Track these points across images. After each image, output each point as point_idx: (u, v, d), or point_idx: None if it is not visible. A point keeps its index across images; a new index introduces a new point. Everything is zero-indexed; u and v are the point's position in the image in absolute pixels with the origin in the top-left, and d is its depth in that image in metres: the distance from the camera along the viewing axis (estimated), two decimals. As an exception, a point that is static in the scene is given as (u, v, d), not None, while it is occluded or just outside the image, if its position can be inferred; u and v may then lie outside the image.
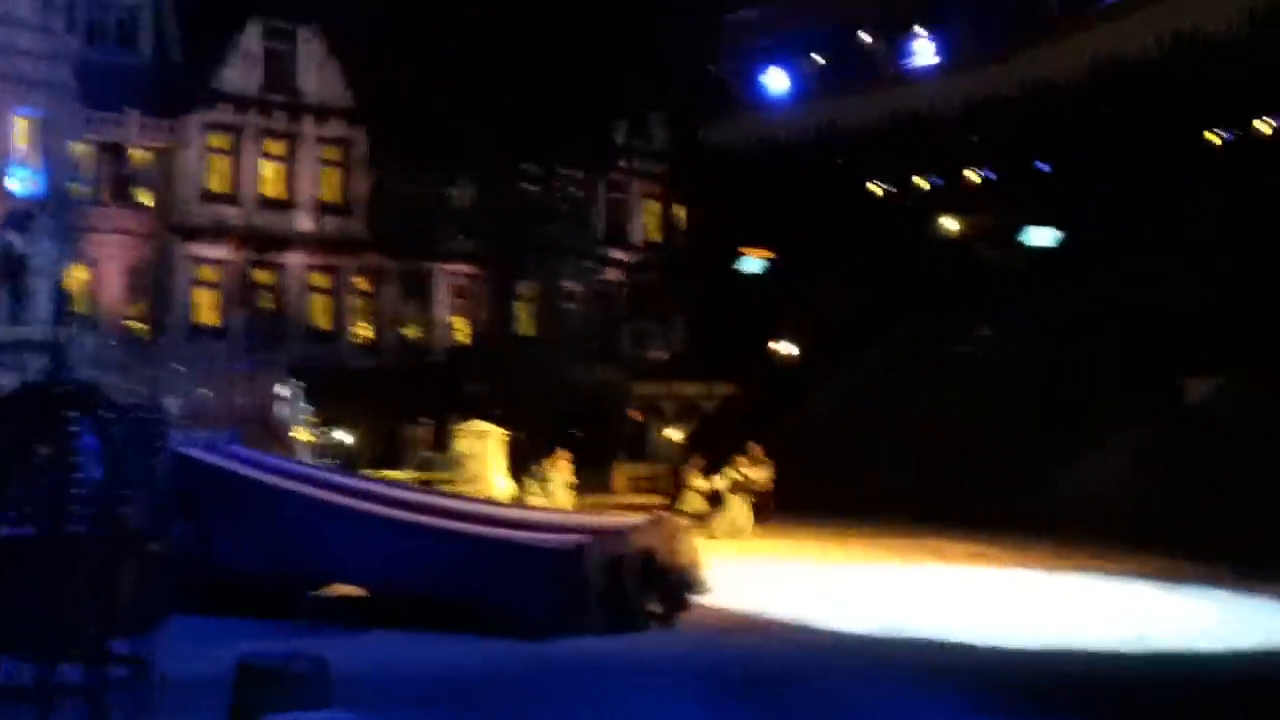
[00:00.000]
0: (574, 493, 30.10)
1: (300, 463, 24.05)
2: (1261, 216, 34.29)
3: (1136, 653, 16.75)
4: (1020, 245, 39.33)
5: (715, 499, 29.52)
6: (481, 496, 27.47)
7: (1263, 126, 36.86)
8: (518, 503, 26.81)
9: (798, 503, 29.43)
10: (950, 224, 43.73)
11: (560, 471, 30.21)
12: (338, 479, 22.39)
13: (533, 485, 27.54)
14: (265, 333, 40.00)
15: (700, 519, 28.10)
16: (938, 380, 37.14)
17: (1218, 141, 37.84)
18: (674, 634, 17.86)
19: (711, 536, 26.85)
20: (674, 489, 31.63)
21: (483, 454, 30.27)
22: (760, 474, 29.43)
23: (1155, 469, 29.08)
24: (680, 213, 50.75)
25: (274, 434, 24.38)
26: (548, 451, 31.00)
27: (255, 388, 26.26)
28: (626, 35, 46.38)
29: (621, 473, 38.48)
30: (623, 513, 25.87)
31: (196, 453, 20.71)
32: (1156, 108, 35.76)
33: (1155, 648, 17.03)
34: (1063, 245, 38.32)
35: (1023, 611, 19.60)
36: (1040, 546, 24.41)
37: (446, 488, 28.20)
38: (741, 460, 29.63)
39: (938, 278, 42.49)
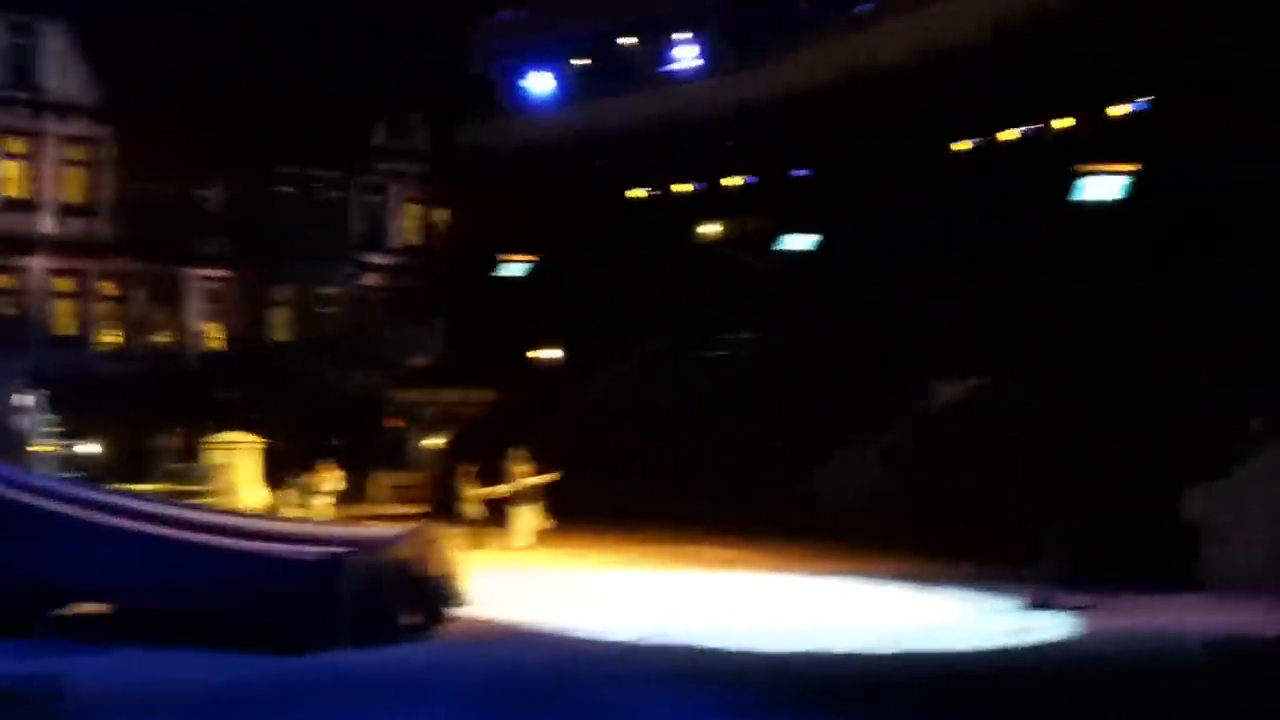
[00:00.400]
0: (334, 502, 29.51)
1: (39, 475, 23.08)
2: (1009, 223, 35.42)
3: (888, 653, 17.09)
4: (779, 250, 39.95)
5: (493, 507, 28.98)
6: (234, 508, 26.86)
7: (1009, 135, 38.09)
8: (272, 514, 26.21)
9: (557, 508, 29.36)
10: (711, 228, 44.19)
11: (327, 482, 29.61)
12: (79, 492, 21.59)
13: (290, 495, 26.97)
14: (4, 339, 38.54)
15: (478, 527, 27.71)
16: (696, 383, 37.55)
17: (967, 148, 38.98)
18: (431, 646, 17.67)
19: (504, 548, 26.77)
20: (436, 497, 31.13)
21: (235, 465, 29.63)
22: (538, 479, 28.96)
23: (902, 470, 29.80)
24: (441, 216, 50.30)
25: (11, 445, 23.37)
26: (305, 461, 30.39)
27: (-9, 397, 25.20)
28: (384, 35, 45.83)
29: (380, 481, 38.00)
30: (381, 522, 25.52)
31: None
32: (908, 116, 36.60)
33: (906, 647, 17.40)
34: (820, 250, 39.03)
35: (778, 614, 19.88)
36: (796, 549, 24.79)
37: (198, 500, 27.48)
38: (519, 467, 29.07)
39: (698, 281, 42.95)
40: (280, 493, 28.27)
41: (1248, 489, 22.98)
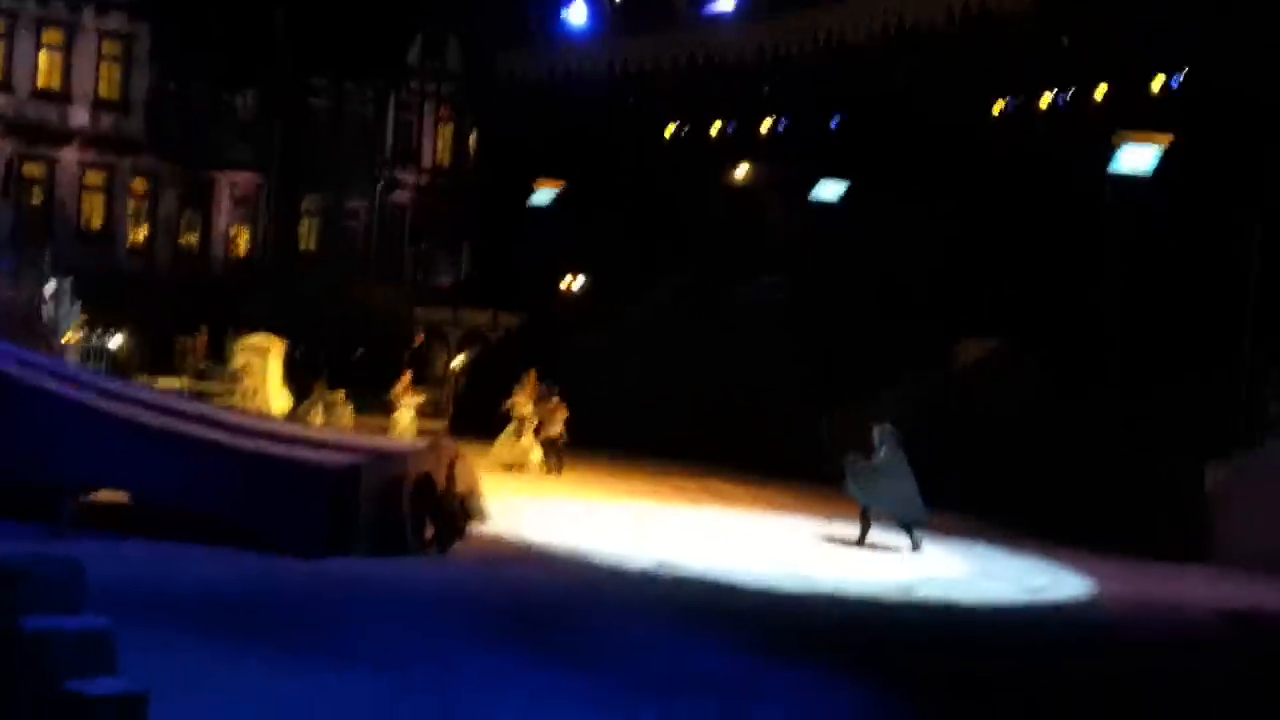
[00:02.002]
0: (416, 418, 29.20)
1: (65, 363, 23.15)
2: (1042, 187, 35.29)
3: (900, 602, 17.16)
4: (807, 197, 39.82)
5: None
6: (256, 411, 26.84)
7: (1043, 102, 37.90)
8: (295, 420, 26.21)
9: (579, 438, 29.45)
10: (742, 171, 44.06)
11: (409, 395, 29.27)
12: (104, 383, 21.67)
13: (316, 403, 26.88)
14: (33, 228, 38.47)
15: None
16: (719, 322, 37.50)
17: (1001, 110, 38.81)
18: (446, 561, 17.75)
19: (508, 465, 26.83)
20: (458, 414, 30.98)
21: (261, 368, 29.47)
22: (551, 412, 28.79)
23: (922, 425, 29.78)
24: (473, 138, 50.17)
25: (39, 333, 23.40)
26: (326, 368, 30.31)
27: (19, 284, 25.14)
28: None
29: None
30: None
31: (-48, 347, 19.86)
32: (948, 76, 36.45)
33: (918, 598, 17.46)
34: (849, 201, 38.89)
35: (794, 556, 19.91)
36: (816, 494, 24.79)
37: (223, 401, 27.50)
38: (521, 393, 29.03)
39: (726, 222, 42.85)
40: (305, 399, 28.15)
41: (1263, 468, 22.98)
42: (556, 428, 28.33)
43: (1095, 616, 17.29)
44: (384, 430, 28.23)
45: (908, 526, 21.08)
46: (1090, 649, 15.49)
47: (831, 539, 21.79)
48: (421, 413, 30.23)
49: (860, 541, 21.08)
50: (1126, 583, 19.51)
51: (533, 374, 28.94)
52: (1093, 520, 23.28)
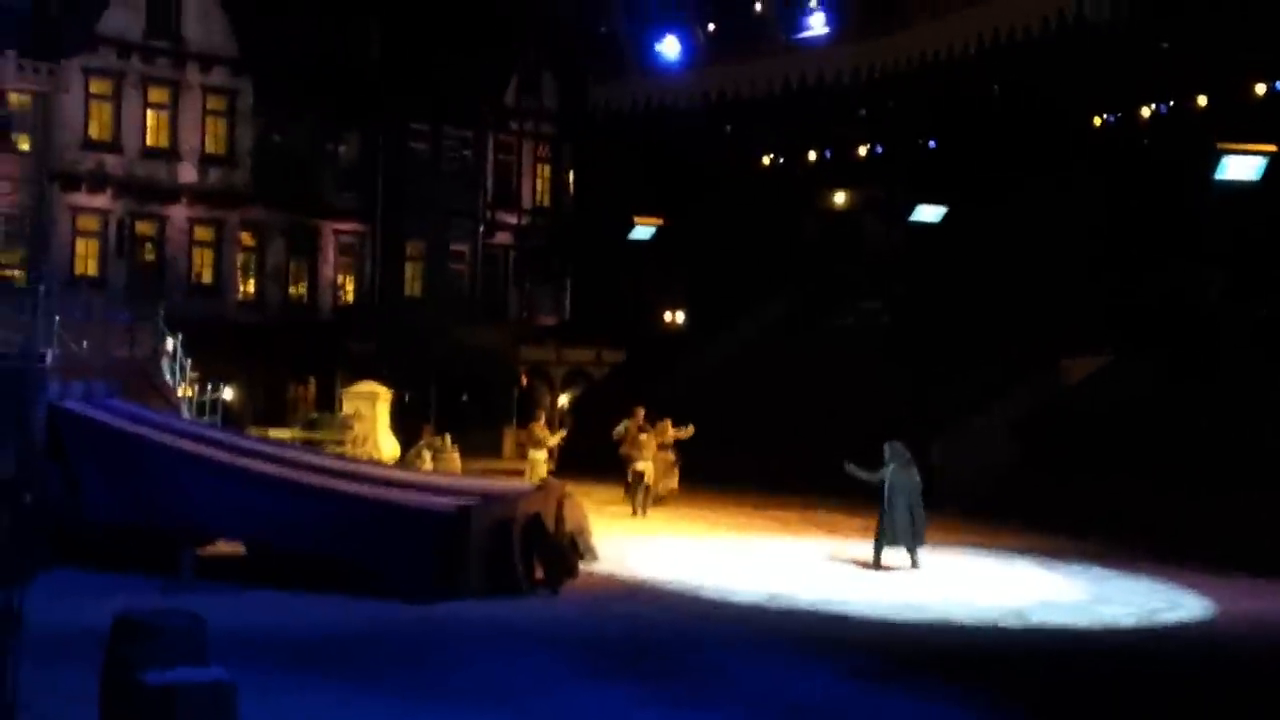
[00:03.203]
0: (551, 459, 28.96)
1: (181, 418, 23.64)
2: (1142, 201, 34.91)
3: (1015, 627, 16.99)
4: (906, 220, 39.67)
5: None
6: (368, 458, 27.21)
7: (1144, 112, 37.49)
8: (404, 465, 26.50)
9: (682, 472, 29.51)
10: (839, 197, 43.99)
11: (546, 438, 28.63)
12: (219, 435, 22.11)
13: (423, 447, 27.09)
14: (146, 285, 39.28)
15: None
16: (819, 350, 37.42)
17: (1099, 124, 38.44)
18: (559, 600, 17.84)
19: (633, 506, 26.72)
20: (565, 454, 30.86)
21: (370, 415, 29.90)
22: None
23: (1030, 445, 29.53)
24: (571, 176, 50.52)
25: (156, 388, 23.90)
26: (433, 413, 30.54)
27: (135, 340, 25.70)
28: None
29: (511, 437, 38.16)
30: (511, 478, 25.70)
31: (73, 404, 20.35)
32: (1044, 88, 36.16)
33: (1033, 623, 17.28)
34: (948, 222, 38.70)
35: (903, 584, 19.80)
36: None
37: (333, 449, 27.86)
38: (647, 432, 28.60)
39: (825, 249, 42.77)
40: (414, 445, 28.40)
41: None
42: (644, 464, 27.91)
43: (1215, 639, 16.97)
44: (493, 472, 28.42)
45: (908, 547, 20.83)
46: (1210, 672, 15.23)
47: (940, 565, 21.63)
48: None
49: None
50: (1247, 603, 19.13)
51: (639, 410, 28.94)
52: (1211, 538, 22.92)
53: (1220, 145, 30.09)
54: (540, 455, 27.70)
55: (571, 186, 50.42)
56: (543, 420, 29.71)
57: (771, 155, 45.95)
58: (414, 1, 45.15)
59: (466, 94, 46.72)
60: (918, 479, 20.98)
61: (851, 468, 21.40)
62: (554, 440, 28.47)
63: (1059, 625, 17.19)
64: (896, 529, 20.84)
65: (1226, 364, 27.99)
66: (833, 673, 13.97)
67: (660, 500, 28.01)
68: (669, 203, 43.11)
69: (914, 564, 20.84)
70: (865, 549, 21.54)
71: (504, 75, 48.68)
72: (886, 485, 20.92)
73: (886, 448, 21.17)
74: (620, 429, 28.07)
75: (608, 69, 47.11)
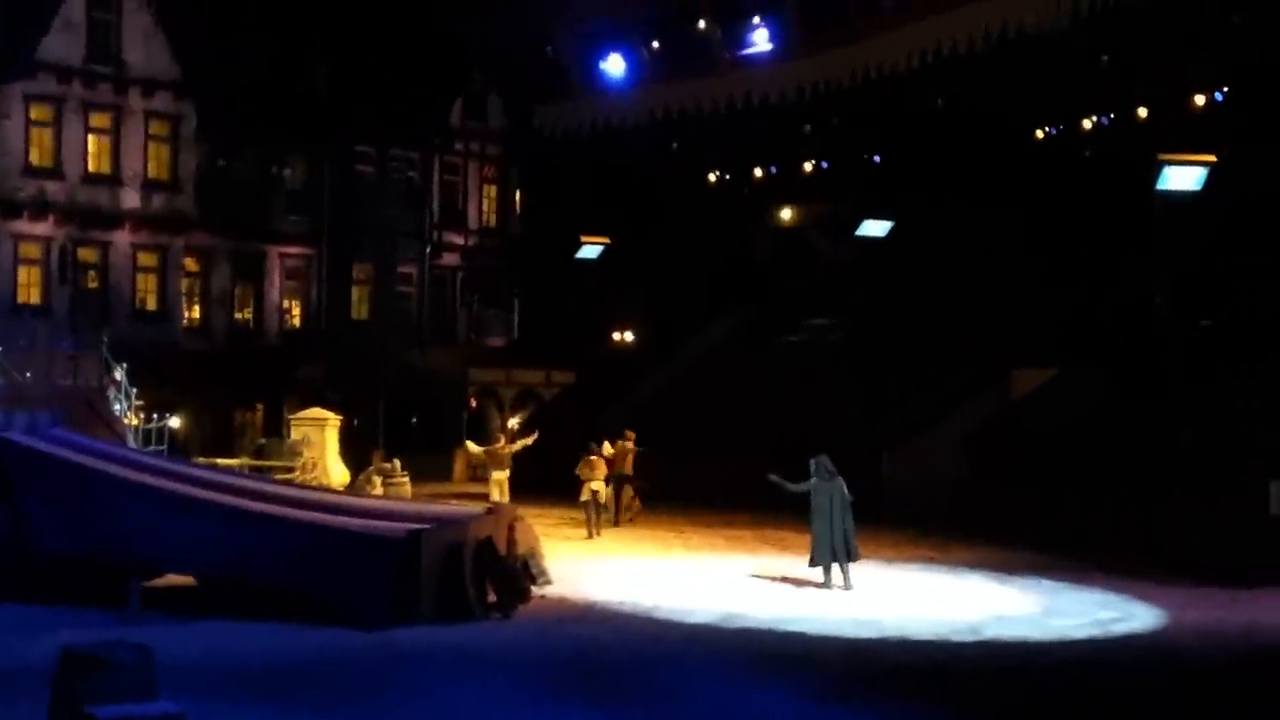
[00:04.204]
0: (410, 483, 28.93)
1: (127, 447, 23.43)
2: (1087, 213, 35.18)
3: (968, 642, 17.04)
4: (855, 236, 39.79)
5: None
6: (317, 484, 27.05)
7: (1086, 124, 37.80)
8: (355, 491, 26.36)
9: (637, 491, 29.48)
10: (786, 213, 44.11)
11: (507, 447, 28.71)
12: (166, 465, 21.92)
13: (373, 473, 26.95)
14: (90, 312, 38.91)
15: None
16: (770, 367, 37.47)
17: (1043, 136, 38.73)
18: (511, 625, 17.79)
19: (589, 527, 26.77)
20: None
21: (319, 441, 29.75)
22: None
23: (980, 458, 29.65)
24: (518, 197, 50.47)
25: (102, 417, 23.68)
26: (383, 438, 30.41)
27: (79, 369, 25.46)
28: (461, 14, 45.96)
29: (462, 460, 38.05)
30: (463, 501, 25.57)
31: (15, 435, 20.15)
32: (987, 102, 36.39)
33: (987, 637, 17.34)
34: (896, 236, 38.86)
35: (856, 601, 19.82)
36: (874, 536, 24.61)
37: (283, 476, 27.68)
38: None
39: (774, 266, 42.87)
40: (364, 470, 28.26)
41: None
42: (597, 484, 27.98)
43: (1167, 648, 17.07)
44: (446, 497, 28.31)
45: (835, 562, 20.72)
46: (1162, 682, 15.31)
47: (893, 580, 21.67)
48: (479, 475, 30.16)
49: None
50: (1196, 611, 19.26)
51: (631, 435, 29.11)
52: (1160, 547, 23.07)
53: (1161, 156, 30.33)
54: (503, 476, 27.64)
55: (519, 207, 50.38)
56: (503, 441, 29.56)
57: (719, 173, 46.07)
58: (359, 25, 45.00)
59: (412, 116, 46.60)
60: (846, 493, 20.84)
61: (775, 479, 21.38)
62: (518, 446, 28.40)
63: (1013, 639, 17.26)
64: (816, 546, 20.75)
65: (1172, 375, 28.19)
66: (790, 691, 13.97)
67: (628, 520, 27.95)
68: (617, 222, 43.10)
69: (846, 584, 20.65)
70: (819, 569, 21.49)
71: (449, 97, 48.61)
72: (812, 502, 20.86)
73: (811, 462, 21.10)
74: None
75: (553, 90, 47.05)
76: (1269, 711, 14.03)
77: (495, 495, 26.81)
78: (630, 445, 29.29)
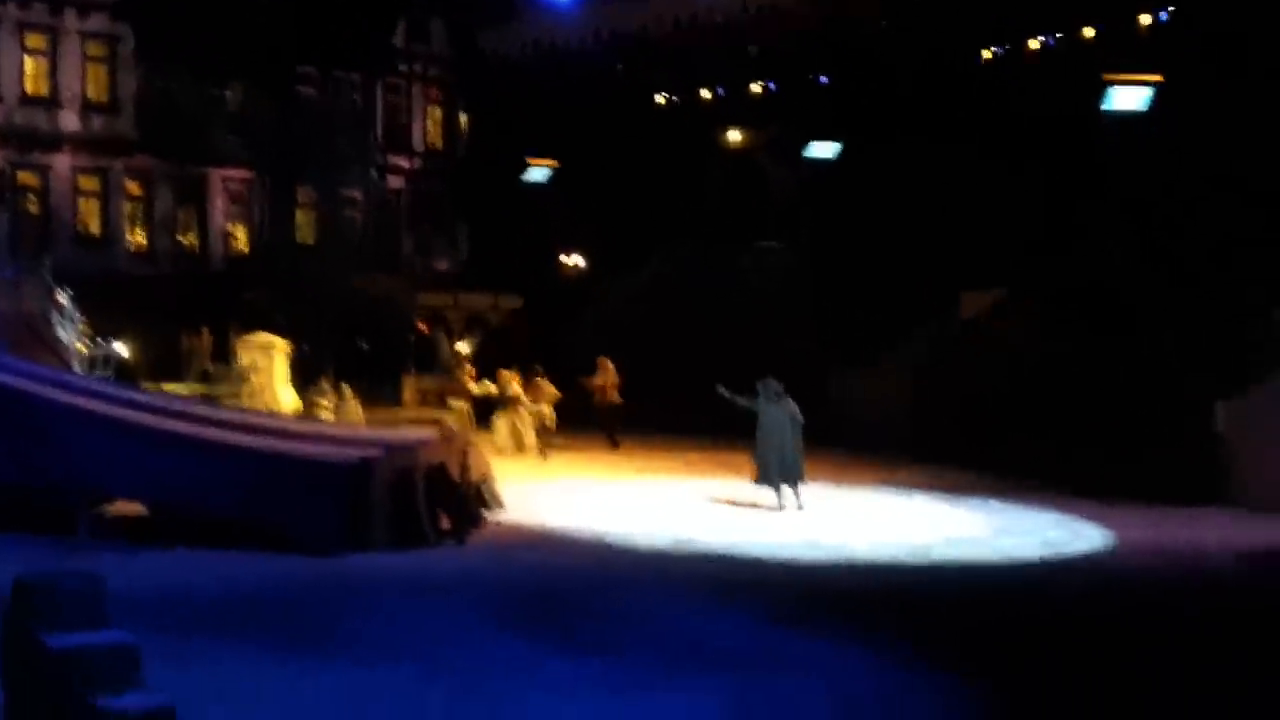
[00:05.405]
0: (360, 408, 28.93)
1: (72, 373, 23.15)
2: (1033, 134, 35.17)
3: (920, 564, 17.17)
4: (804, 159, 39.70)
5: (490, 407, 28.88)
6: (266, 410, 26.84)
7: (1033, 44, 37.74)
8: (305, 416, 26.20)
9: (583, 418, 29.49)
10: (735, 136, 43.91)
11: (526, 387, 28.73)
12: (113, 391, 21.67)
13: (322, 398, 26.81)
14: (31, 237, 38.39)
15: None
16: (721, 291, 37.46)
17: (989, 58, 38.65)
18: (464, 550, 17.77)
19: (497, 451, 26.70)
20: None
21: (268, 366, 29.46)
22: (541, 396, 28.78)
23: (931, 382, 29.80)
24: (463, 119, 50.02)
25: (46, 343, 23.39)
26: (332, 362, 30.22)
27: (21, 295, 25.12)
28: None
29: (411, 386, 37.91)
30: (413, 426, 25.48)
31: (-43, 363, 19.89)
32: (933, 24, 36.29)
33: (937, 559, 17.48)
34: (843, 158, 38.79)
35: (810, 525, 19.92)
36: (826, 460, 24.77)
37: (231, 402, 27.46)
38: (509, 375, 28.91)
39: (722, 189, 42.73)
40: (311, 394, 28.11)
41: (1275, 404, 22.87)
42: (545, 409, 28.36)
43: (1115, 567, 17.28)
44: (397, 422, 28.26)
45: (784, 483, 20.93)
46: (1112, 600, 15.49)
47: (843, 504, 21.80)
48: (429, 401, 30.13)
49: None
50: (1144, 531, 19.51)
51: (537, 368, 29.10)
52: (1106, 468, 23.28)
53: (1107, 77, 30.34)
54: (464, 405, 27.67)
55: (465, 131, 49.94)
56: (468, 369, 29.47)
57: (666, 95, 45.77)
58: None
59: (354, 38, 45.98)
60: (796, 415, 20.98)
61: (724, 391, 21.48)
62: (481, 391, 28.43)
63: (963, 560, 17.41)
64: (762, 466, 20.92)
65: (1117, 299, 28.36)
66: (742, 618, 14.00)
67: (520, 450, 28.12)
68: (565, 146, 42.82)
69: (798, 504, 20.83)
70: (768, 490, 21.61)
71: (392, 19, 47.98)
72: (758, 423, 21.00)
73: (758, 385, 21.23)
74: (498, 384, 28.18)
75: (498, 11, 46.57)
76: (1204, 628, 14.21)
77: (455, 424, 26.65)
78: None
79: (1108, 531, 19.40)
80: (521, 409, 28.16)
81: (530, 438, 28.11)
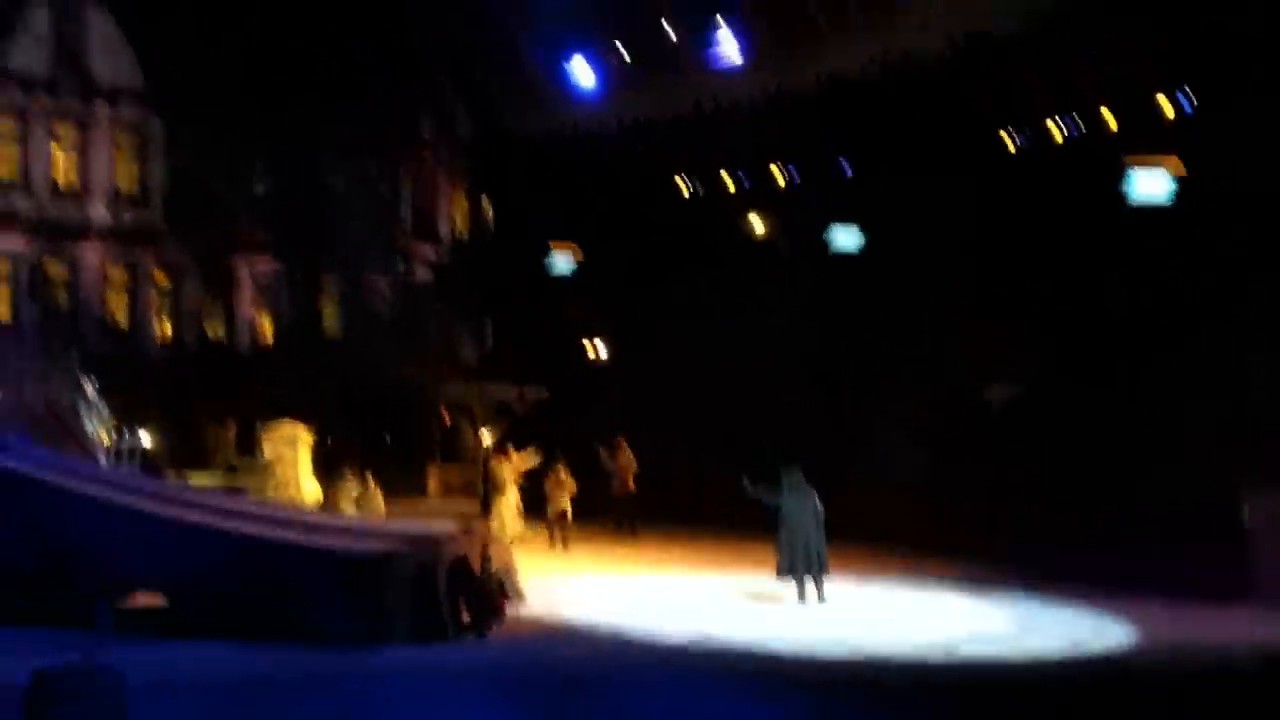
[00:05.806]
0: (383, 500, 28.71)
1: (98, 464, 23.28)
2: (1057, 220, 35.18)
3: (944, 660, 17.03)
4: (823, 245, 39.75)
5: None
6: (287, 501, 26.88)
7: (1054, 128, 37.80)
8: (328, 508, 26.22)
9: (609, 508, 29.50)
10: (755, 221, 44.03)
11: (514, 462, 28.31)
12: (139, 483, 21.78)
13: (346, 490, 26.79)
14: (59, 328, 38.65)
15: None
16: (740, 378, 37.41)
17: (1010, 143, 38.72)
18: (484, 643, 17.75)
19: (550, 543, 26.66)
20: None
21: (292, 458, 29.49)
22: (561, 488, 28.63)
23: (954, 474, 29.66)
24: (486, 205, 50.31)
25: (73, 434, 23.54)
26: (356, 454, 30.24)
27: (49, 385, 25.33)
28: (430, 22, 45.87)
29: (435, 476, 37.91)
30: (436, 519, 25.44)
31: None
32: (949, 106, 36.40)
33: (963, 655, 17.33)
34: (865, 244, 38.82)
35: (829, 618, 19.80)
36: (847, 550, 24.62)
37: (255, 493, 27.49)
38: (519, 456, 28.76)
39: (744, 274, 42.78)
40: (335, 486, 28.10)
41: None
42: (564, 501, 28.25)
43: (1141, 665, 17.10)
44: (420, 514, 28.22)
45: (806, 575, 20.73)
46: (1138, 699, 15.33)
47: (868, 597, 21.66)
48: (452, 490, 30.05)
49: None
50: (1170, 627, 19.32)
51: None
52: (1133, 562, 23.08)
53: (1128, 159, 30.35)
54: (510, 501, 27.32)
55: (489, 218, 50.21)
56: (511, 454, 29.06)
57: (687, 180, 45.98)
58: (326, 32, 44.79)
59: (381, 127, 46.40)
60: (818, 506, 20.84)
61: (748, 486, 21.37)
62: (525, 464, 28.12)
63: (987, 658, 17.24)
64: (784, 557, 20.74)
65: (1142, 388, 28.27)
66: (759, 712, 13.91)
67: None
68: (587, 232, 42.99)
69: (820, 596, 20.67)
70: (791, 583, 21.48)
71: (418, 107, 48.40)
72: (780, 515, 20.85)
73: (784, 475, 21.10)
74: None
75: (521, 97, 46.98)
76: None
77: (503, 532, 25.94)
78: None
79: (1134, 627, 19.21)
80: (509, 494, 27.76)
81: (518, 526, 27.64)
